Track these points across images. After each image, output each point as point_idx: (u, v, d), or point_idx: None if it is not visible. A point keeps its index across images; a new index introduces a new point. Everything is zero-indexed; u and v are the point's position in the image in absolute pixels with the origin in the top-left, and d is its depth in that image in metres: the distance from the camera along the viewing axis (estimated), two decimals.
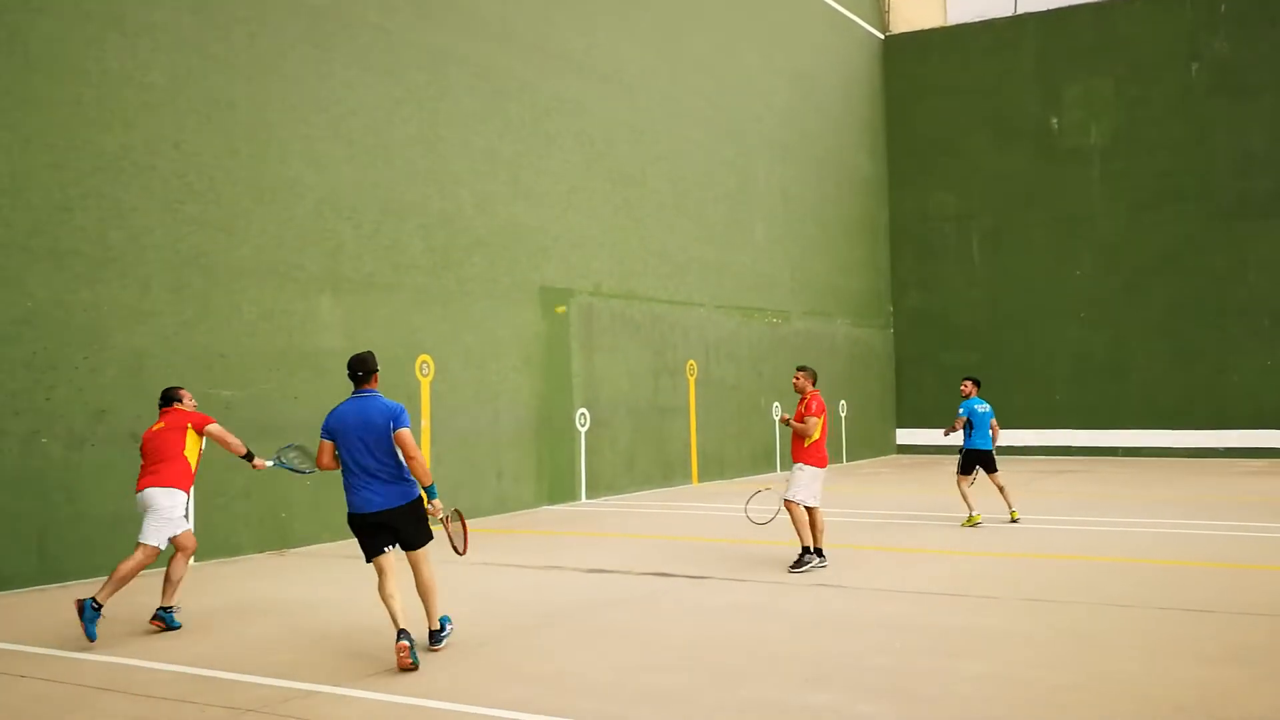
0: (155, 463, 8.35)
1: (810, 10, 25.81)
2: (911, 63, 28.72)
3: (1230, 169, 24.91)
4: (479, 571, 11.00)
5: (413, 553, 7.46)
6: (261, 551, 12.32)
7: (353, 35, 13.93)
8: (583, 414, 17.57)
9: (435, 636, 7.52)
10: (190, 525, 8.67)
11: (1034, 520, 14.31)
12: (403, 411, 7.48)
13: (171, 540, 8.36)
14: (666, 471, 19.57)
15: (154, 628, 8.24)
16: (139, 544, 8.28)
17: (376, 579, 7.40)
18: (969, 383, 14.44)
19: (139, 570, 8.26)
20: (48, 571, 10.37)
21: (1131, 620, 8.28)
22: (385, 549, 7.38)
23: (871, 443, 26.94)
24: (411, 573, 7.51)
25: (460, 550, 7.74)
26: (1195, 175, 25.19)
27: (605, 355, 18.17)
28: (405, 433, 7.37)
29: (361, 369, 7.60)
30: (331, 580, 10.68)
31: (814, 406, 10.69)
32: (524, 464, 16.35)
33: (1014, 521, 13.87)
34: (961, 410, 14.11)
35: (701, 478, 20.47)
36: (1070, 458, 25.59)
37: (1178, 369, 25.15)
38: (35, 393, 10.39)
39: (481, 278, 15.69)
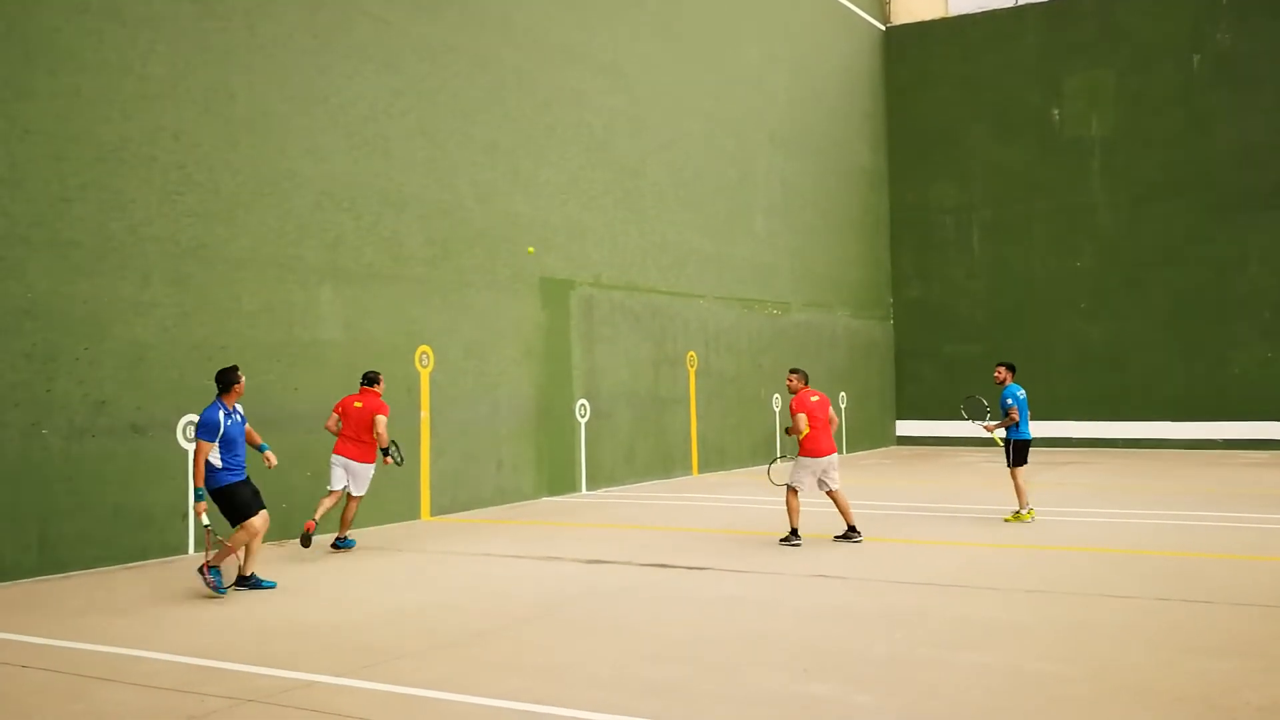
0: (357, 439, 11.59)
1: (811, 1, 25.76)
2: (912, 54, 28.68)
3: (1231, 161, 24.87)
4: (479, 562, 11.01)
5: None
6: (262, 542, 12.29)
7: (352, 26, 13.90)
8: (583, 405, 17.58)
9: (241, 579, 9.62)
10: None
11: (1036, 513, 14.30)
12: (200, 423, 9.42)
13: (351, 495, 11.77)
14: (667, 463, 19.58)
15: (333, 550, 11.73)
16: (351, 495, 11.76)
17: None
18: (1004, 368, 13.77)
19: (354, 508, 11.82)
20: (48, 562, 10.37)
21: (1132, 611, 8.29)
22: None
23: (871, 434, 26.96)
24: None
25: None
26: (1196, 167, 25.16)
27: (605, 346, 18.17)
28: (196, 443, 9.43)
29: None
30: (330, 571, 10.68)
31: (793, 405, 11.92)
32: (524, 455, 16.36)
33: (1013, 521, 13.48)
34: (1011, 399, 13.38)
35: (702, 469, 20.48)
36: (1070, 450, 25.60)
37: (1178, 361, 25.15)
38: (35, 384, 10.38)
39: (481, 269, 15.68)
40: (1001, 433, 13.60)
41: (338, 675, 6.70)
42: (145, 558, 11.17)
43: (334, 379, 13.25)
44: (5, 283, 10.23)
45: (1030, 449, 13.68)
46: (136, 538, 11.11)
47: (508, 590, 9.56)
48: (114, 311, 11.09)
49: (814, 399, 11.91)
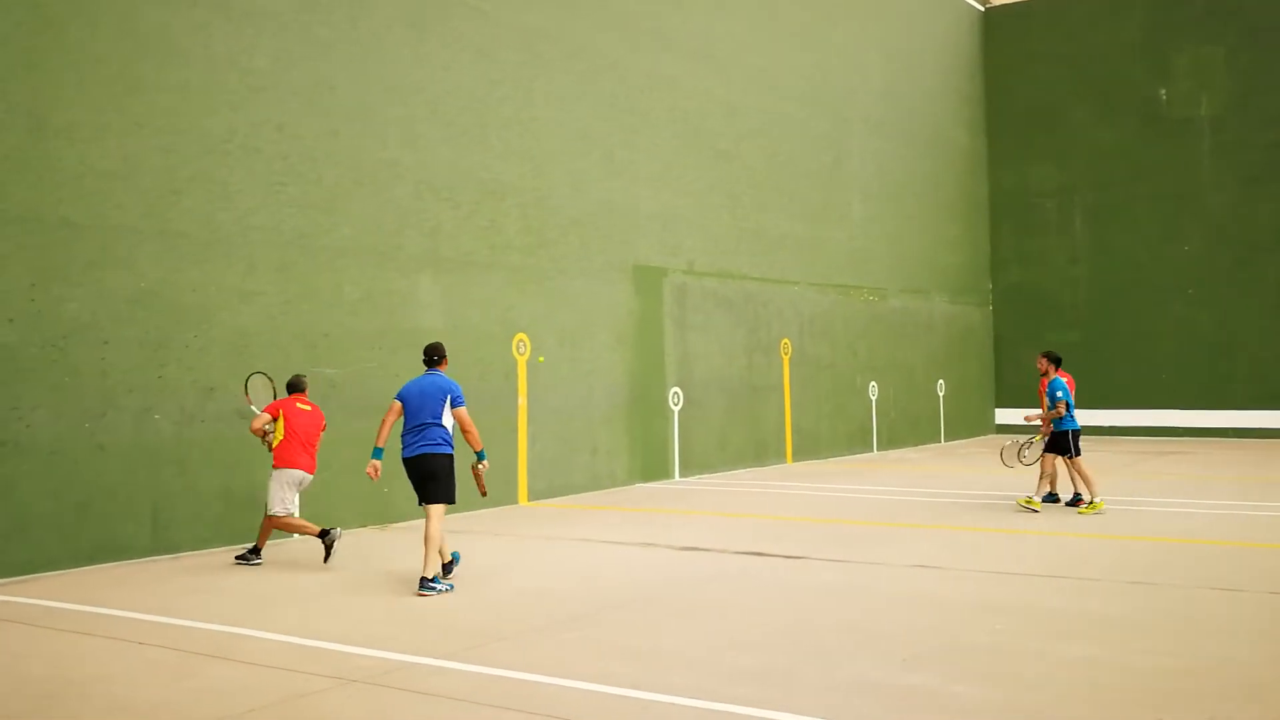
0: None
1: None
2: (1012, 35, 28.08)
3: None
4: (574, 547, 11.10)
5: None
6: (364, 526, 12.58)
7: (449, 17, 14.06)
8: (676, 392, 17.59)
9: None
10: None
11: (1138, 502, 13.98)
12: (459, 392, 9.33)
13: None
14: (760, 450, 19.51)
15: None
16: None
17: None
18: (1045, 359, 13.63)
19: None
20: (160, 543, 10.72)
21: (1240, 605, 8.06)
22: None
23: (969, 422, 26.53)
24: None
25: None
26: None
27: (698, 333, 18.16)
28: (463, 408, 9.31)
29: (435, 354, 9.54)
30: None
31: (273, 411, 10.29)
32: (618, 441, 16.44)
33: (1029, 508, 13.20)
34: (1061, 393, 13.28)
35: (796, 457, 20.37)
36: (1175, 439, 24.91)
37: None
38: (147, 370, 10.72)
39: (576, 256, 15.78)
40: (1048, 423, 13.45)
41: (437, 657, 6.82)
42: (253, 540, 11.45)
43: None
44: (118, 273, 10.58)
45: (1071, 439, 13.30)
46: (244, 520, 11.40)
47: (603, 575, 9.63)
48: (221, 300, 11.40)
49: (305, 407, 10.37)
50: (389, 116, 13.21)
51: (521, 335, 14.80)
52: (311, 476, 10.44)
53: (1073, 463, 13.25)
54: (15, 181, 9.91)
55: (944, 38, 26.67)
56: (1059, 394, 13.31)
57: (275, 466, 10.24)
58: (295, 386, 10.58)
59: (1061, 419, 13.27)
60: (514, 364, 14.66)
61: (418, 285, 13.45)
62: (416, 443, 9.14)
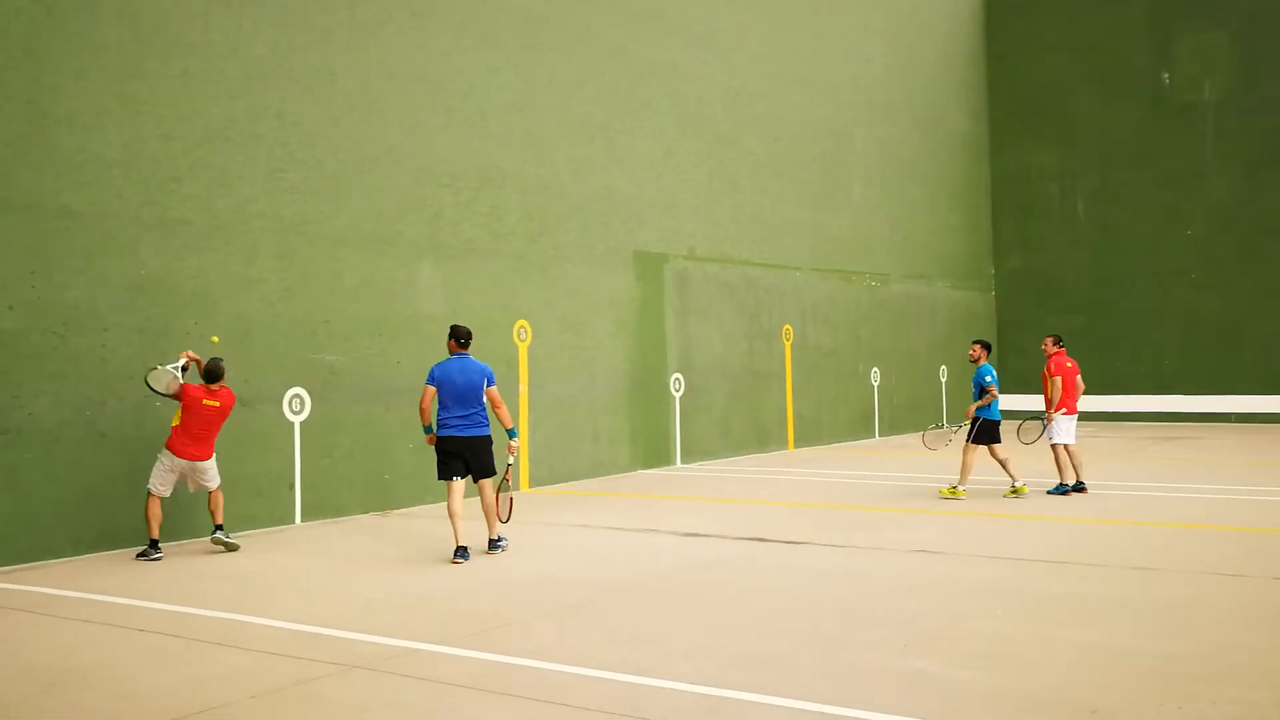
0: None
1: None
2: (1015, 19, 27.99)
3: None
4: (577, 534, 11.10)
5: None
6: (365, 512, 12.60)
7: (450, 3, 14.01)
8: (677, 379, 17.58)
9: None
10: None
11: (1142, 488, 13.98)
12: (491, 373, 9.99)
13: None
14: (762, 437, 19.51)
15: None
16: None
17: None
18: (979, 346, 13.68)
19: None
20: (162, 530, 10.69)
21: (1242, 590, 8.05)
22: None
23: None
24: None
25: None
26: None
27: (700, 320, 18.14)
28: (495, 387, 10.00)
29: (468, 336, 10.10)
30: (433, 542, 10.86)
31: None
32: (619, 428, 16.44)
33: (1015, 494, 13.34)
34: (990, 379, 13.32)
35: (798, 443, 20.38)
36: (1180, 424, 24.90)
37: None
38: (148, 358, 10.71)
39: (577, 243, 15.76)
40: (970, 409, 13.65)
41: (440, 643, 6.83)
42: (254, 526, 11.49)
43: (434, 354, 13.44)
44: (119, 260, 10.57)
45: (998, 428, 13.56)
46: (246, 507, 11.43)
47: (606, 561, 9.64)
48: (221, 287, 11.39)
49: (213, 403, 10.23)
50: (389, 103, 13.18)
51: (523, 322, 14.78)
52: (204, 462, 10.26)
53: (969, 447, 13.36)
54: (16, 169, 9.90)
55: (946, 22, 26.58)
56: (987, 379, 13.35)
57: (168, 449, 10.15)
58: (214, 374, 10.32)
59: (988, 406, 13.36)
60: (515, 351, 14.65)
61: (419, 272, 13.44)
62: (466, 425, 9.77)
